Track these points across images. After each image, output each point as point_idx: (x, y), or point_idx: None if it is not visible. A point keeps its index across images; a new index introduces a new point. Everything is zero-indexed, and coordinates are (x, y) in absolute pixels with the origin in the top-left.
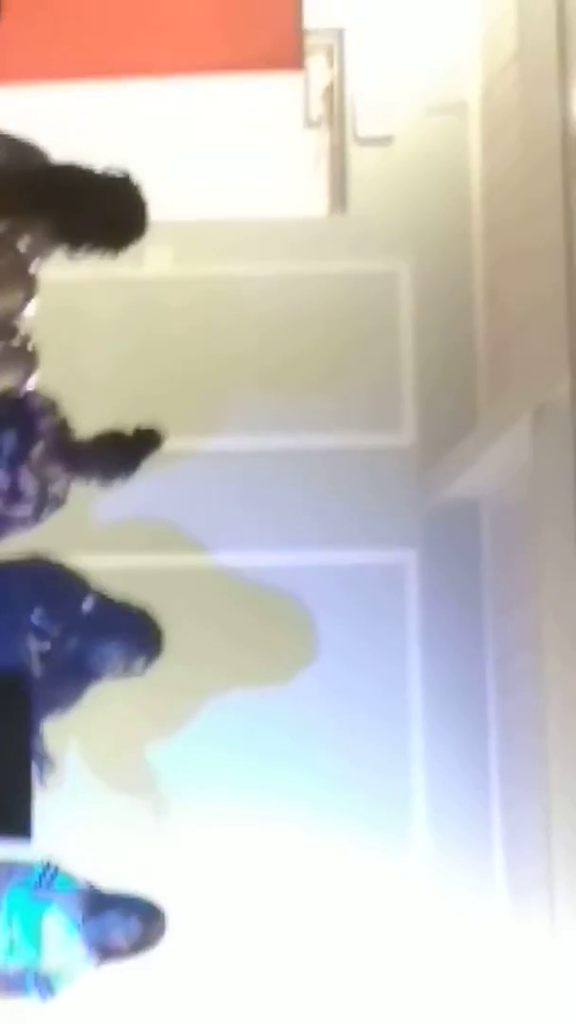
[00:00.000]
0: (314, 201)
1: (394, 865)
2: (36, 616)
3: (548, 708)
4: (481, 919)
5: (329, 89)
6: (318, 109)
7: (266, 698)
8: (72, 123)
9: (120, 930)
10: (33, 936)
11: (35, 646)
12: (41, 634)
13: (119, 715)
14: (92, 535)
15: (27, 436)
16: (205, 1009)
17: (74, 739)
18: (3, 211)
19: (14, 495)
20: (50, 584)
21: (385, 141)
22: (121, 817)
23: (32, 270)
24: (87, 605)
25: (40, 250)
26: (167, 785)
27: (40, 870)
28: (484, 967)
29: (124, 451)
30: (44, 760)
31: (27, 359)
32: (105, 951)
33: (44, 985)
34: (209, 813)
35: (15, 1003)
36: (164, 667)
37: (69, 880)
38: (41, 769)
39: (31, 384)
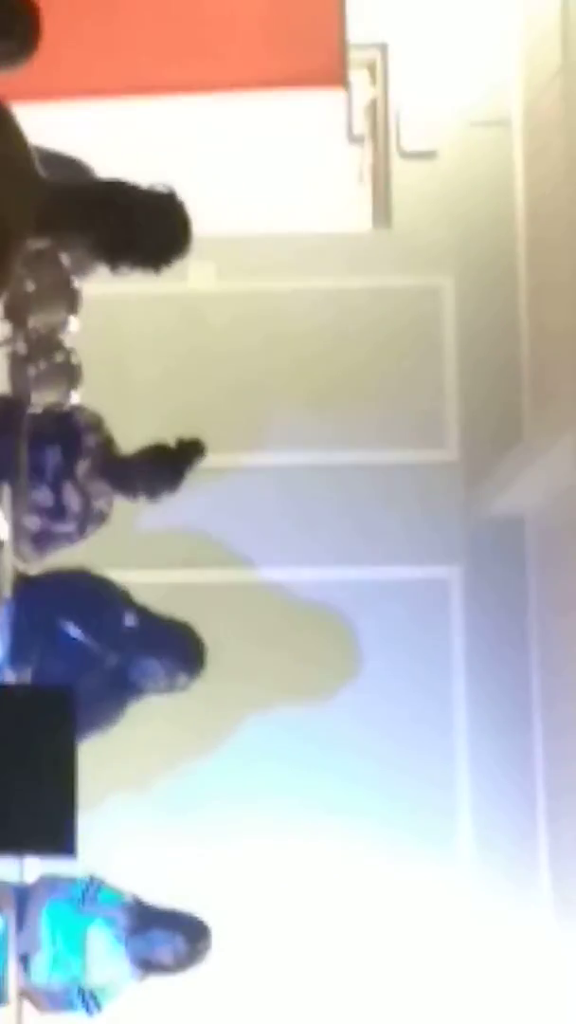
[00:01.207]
0: (358, 216)
1: (439, 877)
2: (78, 632)
3: None
4: (526, 930)
5: (372, 104)
6: (361, 124)
7: (310, 712)
8: (117, 139)
9: (166, 947)
10: (78, 951)
11: (77, 662)
12: (83, 650)
13: (161, 730)
14: (135, 550)
15: (72, 452)
16: (248, 1017)
17: (116, 755)
18: (47, 227)
19: (59, 511)
20: (93, 599)
21: (429, 156)
22: (164, 832)
23: (75, 286)
24: (130, 621)
25: (83, 266)
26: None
27: (84, 885)
28: (528, 978)
29: (168, 465)
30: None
31: (71, 374)
32: (150, 967)
33: (90, 1000)
34: (253, 827)
35: (62, 1018)
36: (207, 682)
37: (114, 895)
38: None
39: (75, 400)
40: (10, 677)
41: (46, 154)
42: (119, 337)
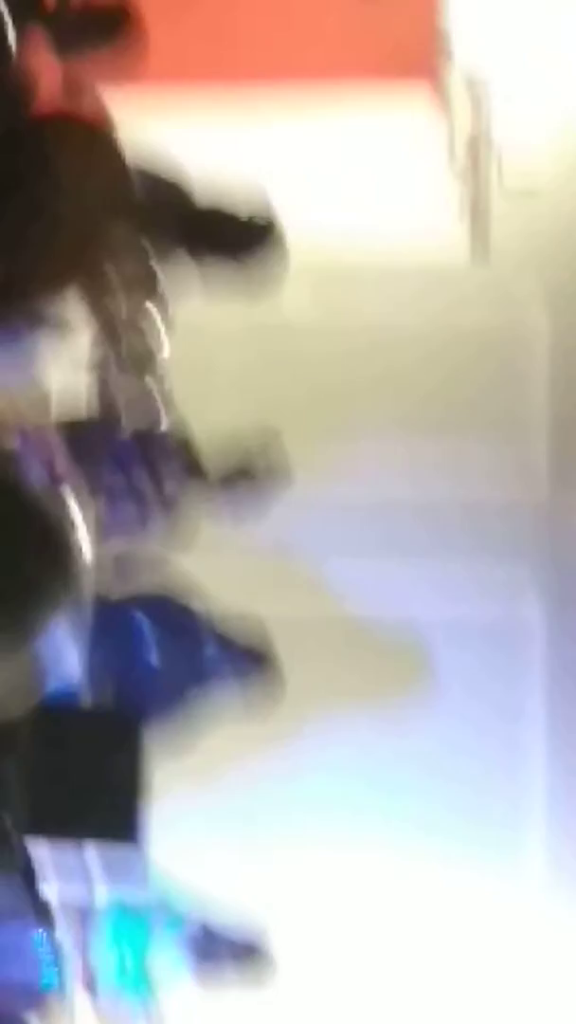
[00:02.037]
0: (455, 249)
1: (508, 896)
2: (151, 638)
3: None
4: None
5: (474, 138)
6: (463, 157)
7: (379, 724)
8: (212, 143)
9: (229, 969)
10: (139, 959)
11: (154, 688)
12: (155, 656)
13: (228, 738)
14: (216, 568)
15: (159, 474)
16: None
17: (184, 762)
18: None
19: (143, 532)
20: (165, 605)
21: (530, 193)
22: (229, 839)
23: (154, 270)
24: (202, 627)
25: (165, 255)
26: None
27: (153, 903)
28: None
29: (253, 488)
30: None
31: (150, 360)
32: (211, 981)
33: (149, 1003)
34: (318, 838)
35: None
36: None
37: (180, 908)
38: None
39: (153, 387)
40: (83, 680)
41: (142, 156)
42: (210, 362)
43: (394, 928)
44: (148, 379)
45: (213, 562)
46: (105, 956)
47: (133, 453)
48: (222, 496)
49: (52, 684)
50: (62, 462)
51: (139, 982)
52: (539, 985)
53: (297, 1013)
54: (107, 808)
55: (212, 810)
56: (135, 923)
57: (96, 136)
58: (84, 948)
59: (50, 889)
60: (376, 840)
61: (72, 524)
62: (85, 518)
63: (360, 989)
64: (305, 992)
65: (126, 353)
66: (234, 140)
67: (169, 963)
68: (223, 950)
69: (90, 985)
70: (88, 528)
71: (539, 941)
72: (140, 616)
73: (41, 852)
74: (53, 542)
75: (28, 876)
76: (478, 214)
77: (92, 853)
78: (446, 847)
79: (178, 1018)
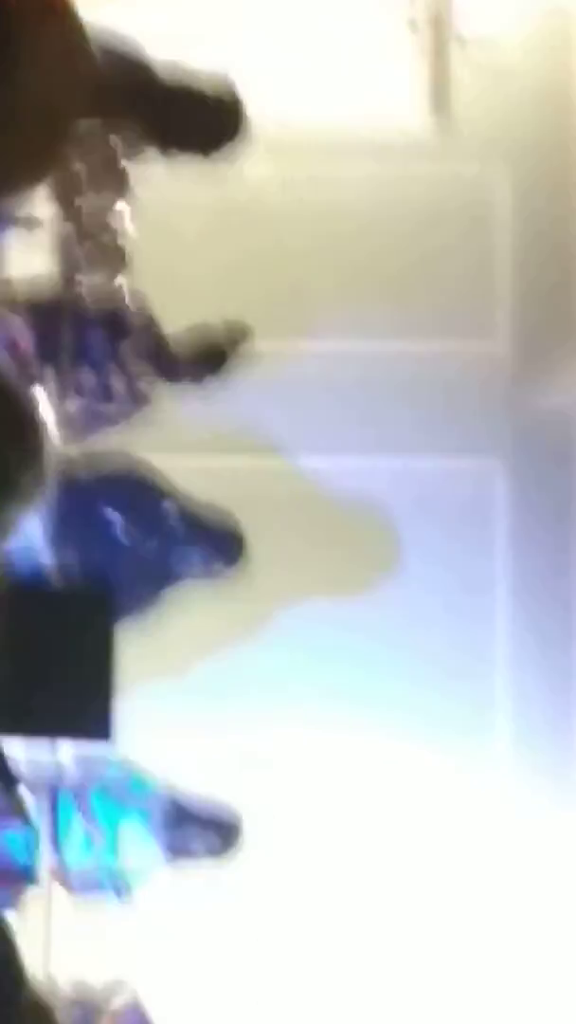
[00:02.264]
0: (415, 103)
1: (475, 771)
2: (118, 518)
3: None
4: (561, 827)
5: (438, 13)
6: (421, 9)
7: (348, 605)
8: (171, 22)
9: (199, 841)
10: (110, 836)
11: (117, 549)
12: (123, 537)
13: (198, 619)
14: (175, 436)
15: (115, 333)
16: (279, 913)
17: (153, 643)
18: (99, 110)
19: (102, 392)
20: (133, 486)
21: (489, 43)
22: (198, 720)
23: (124, 167)
24: (169, 507)
25: (133, 148)
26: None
27: (119, 771)
28: (563, 873)
29: (212, 348)
30: None
31: (118, 256)
32: (181, 856)
33: (120, 884)
34: (287, 717)
35: (90, 901)
36: (244, 571)
37: (149, 783)
38: None
39: (122, 283)
40: (51, 561)
41: (101, 36)
42: (167, 220)
43: (359, 801)
44: (104, 236)
45: (172, 422)
46: (75, 834)
47: (89, 310)
48: (180, 354)
49: (21, 566)
50: (28, 347)
51: (110, 859)
52: (501, 857)
53: (266, 892)
54: (79, 706)
55: (181, 694)
56: (105, 799)
57: (57, 17)
58: (53, 828)
59: (19, 768)
60: (347, 716)
61: (39, 413)
62: (53, 406)
63: (330, 870)
64: (274, 873)
65: (81, 210)
66: (195, 23)
67: (139, 838)
68: (192, 821)
69: (61, 866)
70: (57, 416)
71: (505, 814)
72: (107, 495)
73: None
74: (25, 432)
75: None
76: (437, 65)
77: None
78: (415, 721)
79: (148, 896)
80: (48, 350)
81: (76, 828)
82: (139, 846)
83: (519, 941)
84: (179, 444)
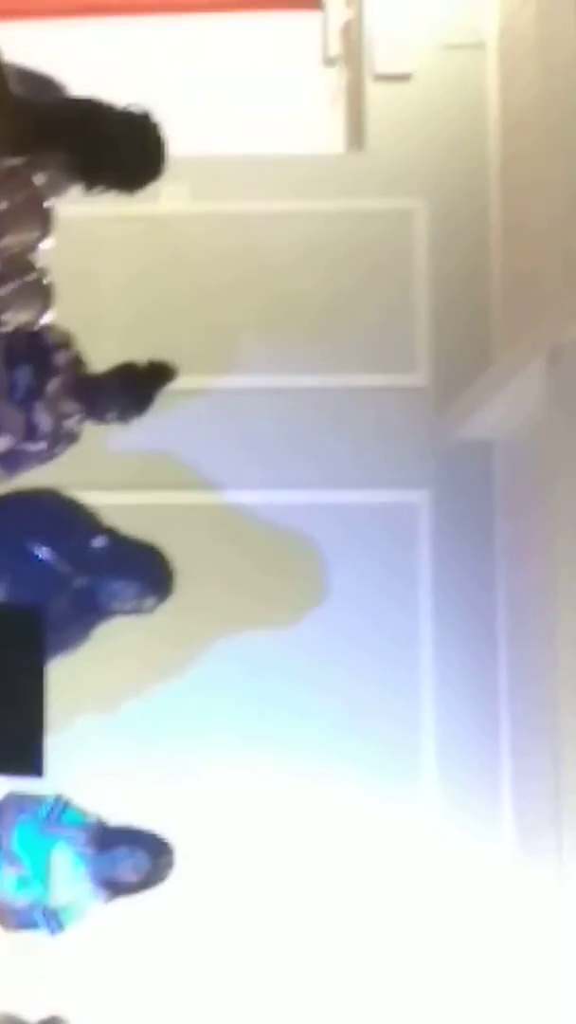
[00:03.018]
0: (331, 138)
1: (403, 811)
2: (46, 552)
3: (559, 654)
4: (489, 864)
5: (347, 26)
6: (336, 46)
7: (272, 641)
8: (90, 59)
9: (129, 864)
10: (41, 871)
11: (45, 583)
12: (51, 571)
13: (128, 655)
14: (104, 471)
15: (42, 371)
16: (211, 945)
17: (83, 678)
18: (20, 146)
19: (29, 430)
20: (61, 520)
21: (403, 79)
22: (128, 757)
23: (48, 205)
24: (98, 542)
25: (57, 186)
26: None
27: (49, 805)
28: (491, 911)
29: (138, 387)
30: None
31: (43, 294)
32: (114, 886)
33: (53, 920)
34: (214, 758)
35: (25, 938)
36: (173, 606)
37: (78, 815)
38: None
39: (46, 319)
40: None
41: (20, 71)
42: (90, 259)
43: (288, 843)
44: (29, 274)
45: (98, 459)
46: (2, 855)
47: (15, 349)
48: (105, 391)
49: None
50: None
51: (43, 896)
52: (431, 896)
53: (196, 927)
54: (9, 742)
55: (108, 725)
56: (33, 823)
57: None
58: None
59: None
60: (274, 755)
61: None
62: None
63: (260, 905)
64: (204, 907)
65: (5, 248)
66: (115, 60)
67: (70, 871)
68: (121, 844)
69: None
70: None
71: (432, 850)
72: (27, 511)
73: None
74: None
75: None
76: (353, 101)
77: None
78: (342, 758)
79: (82, 931)
80: None
81: (7, 863)
82: (70, 877)
83: (445, 971)
84: (107, 481)
